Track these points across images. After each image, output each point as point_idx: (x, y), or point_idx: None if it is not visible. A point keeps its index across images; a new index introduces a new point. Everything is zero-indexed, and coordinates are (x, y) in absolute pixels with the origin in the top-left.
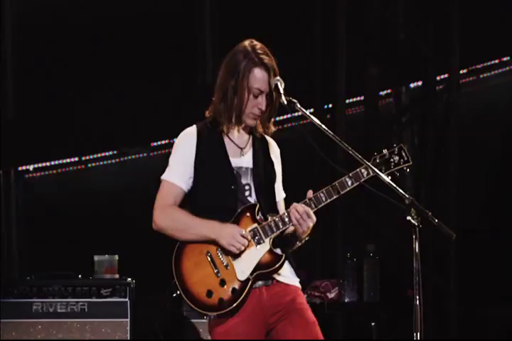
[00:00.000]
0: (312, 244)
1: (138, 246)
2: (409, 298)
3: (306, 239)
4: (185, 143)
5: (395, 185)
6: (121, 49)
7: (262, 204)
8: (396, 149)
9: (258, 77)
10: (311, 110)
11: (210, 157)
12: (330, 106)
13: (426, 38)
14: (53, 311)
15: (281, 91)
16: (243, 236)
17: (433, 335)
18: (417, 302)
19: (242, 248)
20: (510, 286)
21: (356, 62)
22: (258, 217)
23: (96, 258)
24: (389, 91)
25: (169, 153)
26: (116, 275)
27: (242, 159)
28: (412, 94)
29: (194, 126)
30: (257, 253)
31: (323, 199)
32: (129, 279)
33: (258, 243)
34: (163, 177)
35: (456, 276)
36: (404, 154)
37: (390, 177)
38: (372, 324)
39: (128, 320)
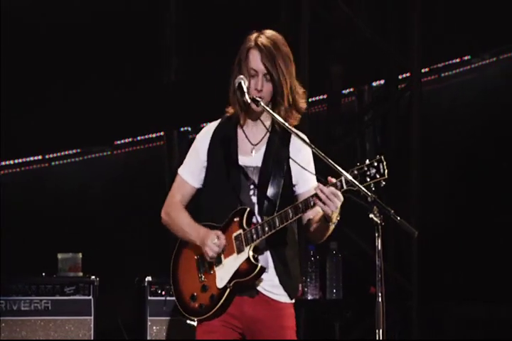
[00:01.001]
0: None
1: (101, 244)
2: (372, 295)
3: (338, 218)
4: (200, 139)
5: (358, 183)
6: (85, 50)
7: (263, 206)
8: (375, 161)
9: (252, 57)
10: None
11: (220, 154)
12: None
13: (388, 37)
14: (17, 309)
15: (245, 89)
16: (215, 244)
17: (395, 332)
18: (379, 299)
19: (214, 255)
20: (471, 284)
21: (319, 61)
22: (254, 221)
23: (60, 256)
24: (351, 89)
25: (132, 152)
26: (80, 274)
27: (252, 157)
28: (374, 92)
29: (217, 121)
30: (236, 261)
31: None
32: (93, 277)
33: (239, 251)
34: (179, 170)
35: (418, 274)
36: (381, 167)
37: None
38: (336, 324)
39: (92, 317)
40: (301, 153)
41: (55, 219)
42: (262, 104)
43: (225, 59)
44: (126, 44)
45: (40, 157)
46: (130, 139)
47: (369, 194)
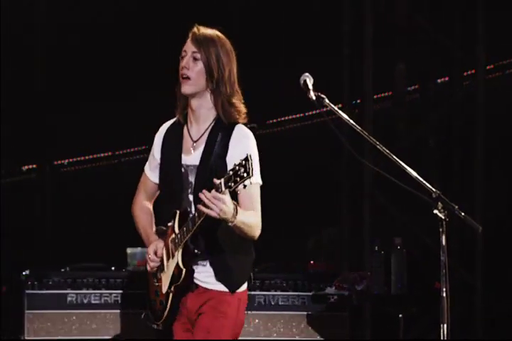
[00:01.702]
0: (340, 237)
1: None
2: (437, 290)
3: (235, 219)
4: (156, 137)
5: (422, 179)
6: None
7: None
8: (243, 161)
9: (187, 41)
10: (339, 105)
11: (168, 153)
12: (358, 101)
13: (452, 34)
14: (87, 302)
15: (310, 86)
16: (150, 259)
17: (459, 327)
18: (444, 294)
19: (152, 266)
20: None
21: (383, 59)
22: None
23: (129, 250)
24: (416, 87)
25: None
26: None
27: (192, 155)
28: (439, 90)
29: (172, 120)
30: (171, 266)
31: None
32: None
33: (172, 255)
34: (145, 167)
35: (482, 269)
36: (248, 166)
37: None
38: (400, 315)
39: None
40: (238, 150)
41: (124, 214)
42: (327, 101)
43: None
44: None
45: (110, 153)
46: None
47: (433, 190)
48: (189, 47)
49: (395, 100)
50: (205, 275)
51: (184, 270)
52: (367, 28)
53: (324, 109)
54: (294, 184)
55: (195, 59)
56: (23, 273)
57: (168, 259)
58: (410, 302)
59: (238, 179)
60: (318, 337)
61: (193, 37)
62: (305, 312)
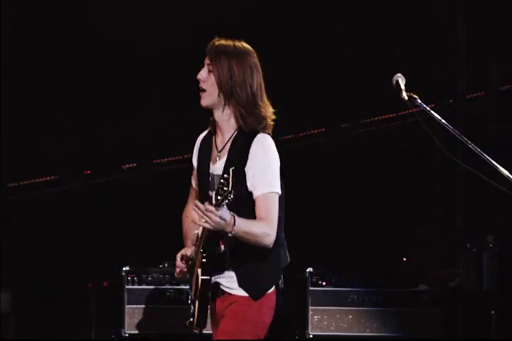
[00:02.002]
0: (431, 235)
1: None
2: None
3: (233, 229)
4: (195, 146)
5: None
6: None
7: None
8: (225, 174)
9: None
10: (432, 105)
11: (200, 162)
12: (450, 101)
13: None
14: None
15: (402, 87)
16: (176, 261)
17: None
18: None
19: (177, 271)
20: None
21: (477, 59)
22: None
23: None
24: (509, 86)
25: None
26: None
27: (216, 165)
28: None
29: (207, 130)
30: (196, 274)
31: None
32: None
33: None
34: None
35: None
36: (228, 181)
37: None
38: (492, 312)
39: None
40: (257, 160)
41: None
42: (419, 101)
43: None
44: None
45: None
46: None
47: None
48: (206, 59)
49: (487, 100)
50: (228, 280)
51: (201, 278)
52: (460, 26)
53: (416, 109)
54: (388, 184)
55: (209, 71)
56: (124, 268)
57: (197, 266)
58: (502, 300)
59: (223, 193)
60: (410, 334)
61: (208, 49)
62: (397, 309)
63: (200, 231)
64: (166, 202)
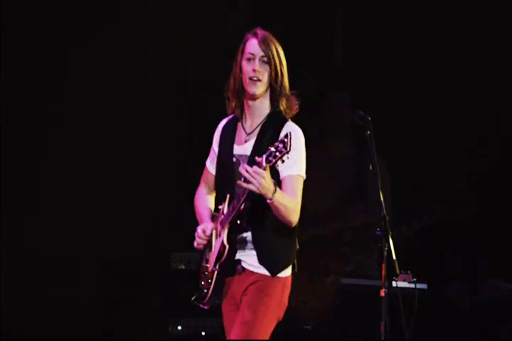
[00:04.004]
0: None
1: None
2: None
3: (273, 197)
4: (216, 132)
5: None
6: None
7: (249, 192)
8: (284, 137)
9: (250, 43)
10: None
11: (222, 144)
12: None
13: None
14: None
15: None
16: (198, 236)
17: None
18: None
19: (199, 242)
20: None
21: None
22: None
23: None
24: None
25: None
26: None
27: (245, 146)
28: None
29: (228, 117)
30: (217, 246)
31: None
32: None
33: (219, 235)
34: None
35: None
36: (287, 141)
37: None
38: None
39: None
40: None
41: None
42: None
43: None
44: None
45: None
46: None
47: None
48: (256, 50)
49: None
50: (250, 258)
51: (227, 246)
52: None
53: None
54: None
55: (264, 62)
56: None
57: (216, 239)
58: None
59: (278, 154)
60: None
61: (259, 40)
62: None
63: (225, 206)
64: None
